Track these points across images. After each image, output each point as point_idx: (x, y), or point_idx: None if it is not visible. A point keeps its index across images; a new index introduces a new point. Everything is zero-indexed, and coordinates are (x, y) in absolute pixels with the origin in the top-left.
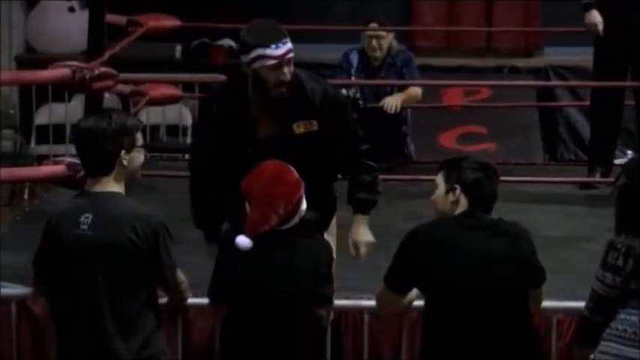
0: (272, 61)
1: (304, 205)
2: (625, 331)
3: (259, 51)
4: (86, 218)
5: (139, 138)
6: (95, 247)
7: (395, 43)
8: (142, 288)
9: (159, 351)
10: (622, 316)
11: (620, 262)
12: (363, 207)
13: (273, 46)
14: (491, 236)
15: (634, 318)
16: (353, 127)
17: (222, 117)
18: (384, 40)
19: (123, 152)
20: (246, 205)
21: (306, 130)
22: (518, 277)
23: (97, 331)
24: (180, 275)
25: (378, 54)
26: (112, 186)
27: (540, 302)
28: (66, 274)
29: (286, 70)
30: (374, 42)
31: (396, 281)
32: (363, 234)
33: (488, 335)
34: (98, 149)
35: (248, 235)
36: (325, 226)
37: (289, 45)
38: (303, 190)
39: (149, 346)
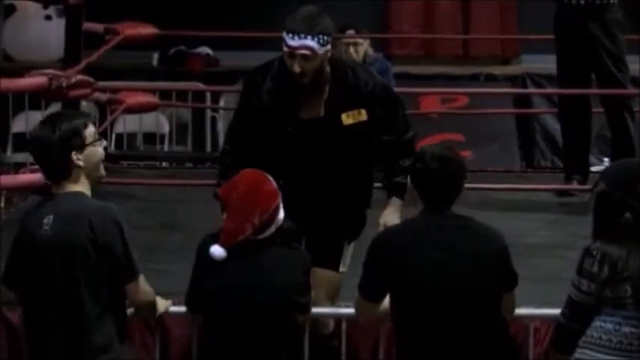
0: (285, 48)
1: (281, 215)
2: (600, 338)
3: (283, 34)
4: (48, 219)
5: (90, 133)
6: (55, 247)
7: (370, 51)
8: (102, 288)
9: (117, 359)
10: (597, 323)
11: (595, 269)
12: (400, 191)
13: (291, 35)
14: (462, 237)
15: (609, 325)
16: (402, 118)
17: (268, 91)
18: (361, 46)
19: (73, 154)
20: (223, 214)
21: (354, 121)
22: (489, 280)
23: (58, 333)
24: (146, 286)
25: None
26: (73, 186)
27: (513, 307)
28: (32, 277)
29: (297, 64)
30: (351, 49)
31: (369, 290)
32: (394, 218)
33: (459, 340)
34: (48, 157)
35: (222, 245)
36: (355, 231)
37: (308, 42)
38: (279, 200)
39: (107, 351)
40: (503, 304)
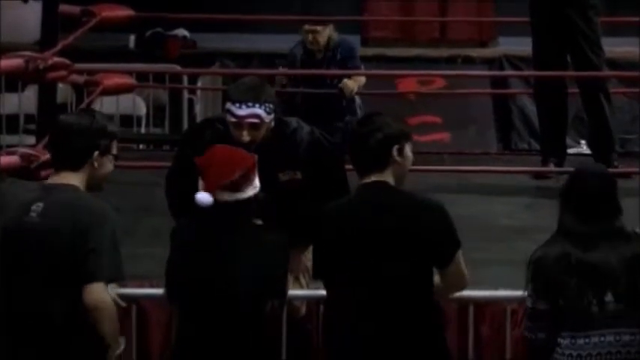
0: (232, 119)
1: (257, 182)
2: (563, 354)
3: (227, 104)
4: (37, 207)
5: (114, 147)
6: (38, 235)
7: (335, 35)
8: (73, 287)
9: None
10: (558, 340)
11: (532, 276)
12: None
13: (237, 104)
14: (391, 209)
15: (566, 341)
16: (338, 175)
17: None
18: (319, 34)
19: (96, 153)
20: (200, 181)
21: (290, 178)
22: (416, 253)
23: (30, 324)
24: (110, 293)
25: (316, 49)
26: (73, 180)
27: (458, 281)
28: (10, 263)
29: (246, 132)
30: (310, 37)
31: (316, 272)
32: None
33: (388, 317)
34: (74, 143)
35: (207, 190)
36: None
37: (256, 110)
38: (255, 162)
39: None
40: (442, 277)
